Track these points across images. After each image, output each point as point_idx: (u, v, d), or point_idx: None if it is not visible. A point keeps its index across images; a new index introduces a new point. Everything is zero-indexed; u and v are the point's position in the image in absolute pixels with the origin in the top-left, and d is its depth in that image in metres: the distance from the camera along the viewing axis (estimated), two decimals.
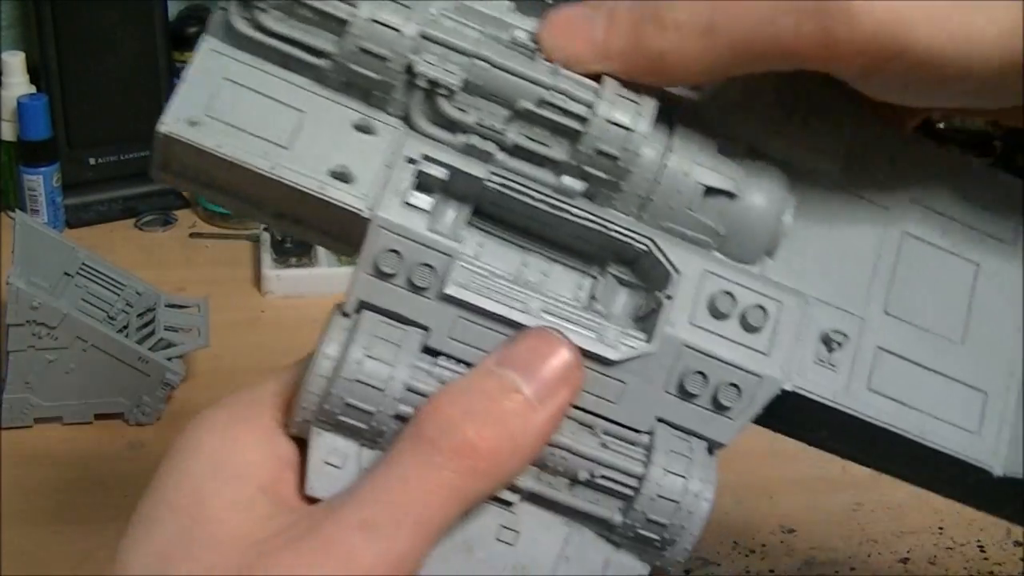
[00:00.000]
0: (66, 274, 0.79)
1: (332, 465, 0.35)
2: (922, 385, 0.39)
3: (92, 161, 1.03)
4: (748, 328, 0.37)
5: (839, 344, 0.38)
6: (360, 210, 0.35)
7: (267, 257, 0.95)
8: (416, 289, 0.36)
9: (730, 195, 0.38)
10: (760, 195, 0.38)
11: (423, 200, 0.36)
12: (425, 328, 0.36)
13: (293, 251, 0.96)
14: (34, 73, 0.98)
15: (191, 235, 1.02)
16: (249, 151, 0.35)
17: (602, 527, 0.37)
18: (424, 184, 0.37)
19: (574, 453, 0.36)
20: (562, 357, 0.35)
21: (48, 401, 0.73)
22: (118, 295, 0.81)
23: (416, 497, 0.32)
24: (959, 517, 0.71)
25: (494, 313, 0.36)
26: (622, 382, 0.37)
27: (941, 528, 0.70)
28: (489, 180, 0.37)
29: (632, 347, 0.36)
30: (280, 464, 0.35)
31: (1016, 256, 0.42)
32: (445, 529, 0.33)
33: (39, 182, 0.97)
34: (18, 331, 0.71)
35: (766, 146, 0.39)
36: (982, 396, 0.40)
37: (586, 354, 0.36)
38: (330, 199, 0.35)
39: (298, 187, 0.35)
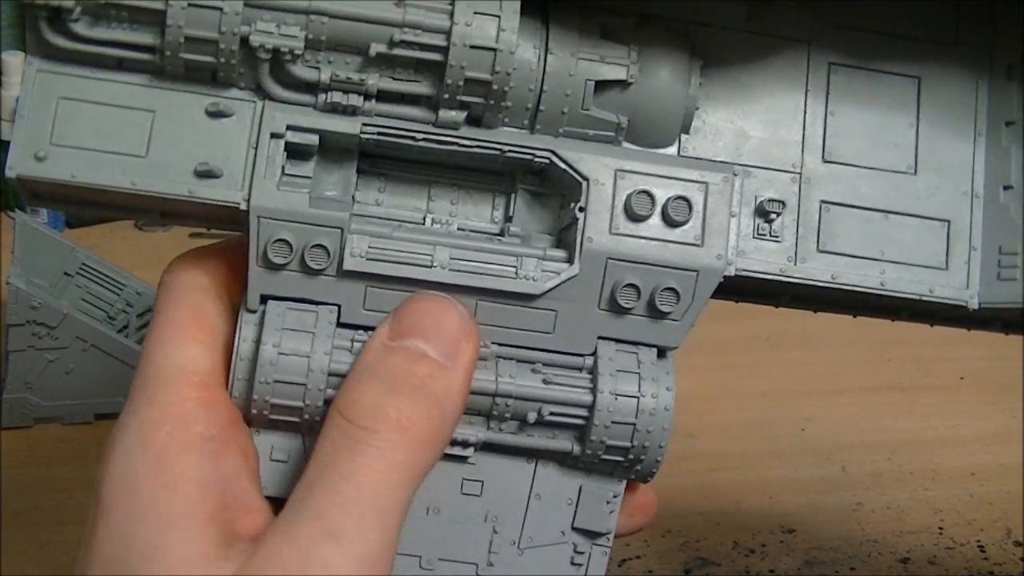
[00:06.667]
0: (66, 274, 0.79)
1: (278, 461, 0.34)
2: (878, 230, 0.37)
3: None
4: (672, 223, 0.35)
5: (777, 213, 0.36)
6: (236, 203, 0.34)
7: None
8: (313, 272, 0.34)
9: (625, 83, 0.35)
10: (660, 72, 0.35)
11: (301, 169, 0.34)
12: (336, 305, 0.35)
13: None
14: None
15: (191, 235, 1.01)
16: (105, 172, 0.33)
17: (565, 459, 0.36)
18: (298, 153, 0.34)
19: (517, 397, 0.35)
20: (456, 313, 0.34)
21: (48, 401, 0.73)
22: (118, 295, 0.81)
23: (369, 488, 0.31)
24: (959, 517, 0.71)
25: (400, 277, 0.34)
26: (552, 311, 0.35)
27: (941, 528, 0.70)
28: (363, 133, 0.35)
29: (553, 273, 0.35)
30: (224, 481, 0.33)
31: (960, 54, 0.37)
32: (407, 506, 0.33)
33: None
34: (18, 331, 0.71)
35: (660, 9, 0.36)
36: (945, 226, 0.37)
37: (508, 294, 0.35)
38: (202, 200, 0.34)
39: (166, 196, 0.34)
